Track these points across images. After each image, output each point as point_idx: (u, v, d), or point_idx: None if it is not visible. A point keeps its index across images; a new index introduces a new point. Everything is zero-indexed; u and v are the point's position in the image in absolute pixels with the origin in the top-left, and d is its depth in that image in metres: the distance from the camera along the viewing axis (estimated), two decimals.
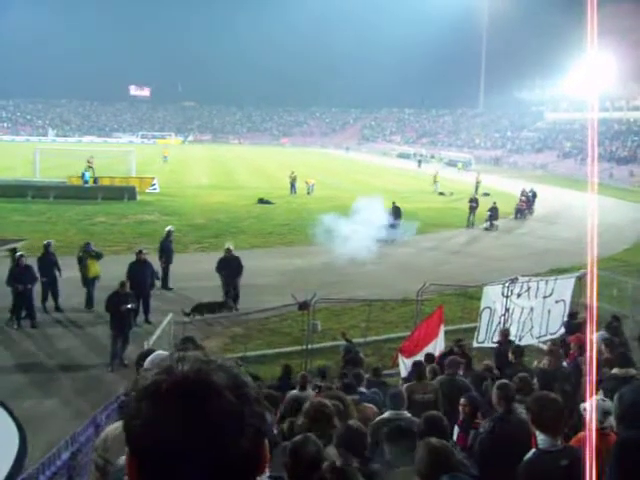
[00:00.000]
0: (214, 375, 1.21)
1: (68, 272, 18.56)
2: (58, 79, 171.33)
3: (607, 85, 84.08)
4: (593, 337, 9.03)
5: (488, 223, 35.07)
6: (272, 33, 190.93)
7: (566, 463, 4.86)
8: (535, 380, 9.12)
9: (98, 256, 18.57)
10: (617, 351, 9.04)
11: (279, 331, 17.22)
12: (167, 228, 21.97)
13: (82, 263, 18.33)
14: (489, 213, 35.31)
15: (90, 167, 49.51)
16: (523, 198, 41.49)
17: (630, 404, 4.64)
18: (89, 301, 18.08)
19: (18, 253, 17.20)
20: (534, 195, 42.87)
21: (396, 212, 30.64)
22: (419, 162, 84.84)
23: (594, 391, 4.72)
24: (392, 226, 28.38)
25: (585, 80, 75.00)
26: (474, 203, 36.02)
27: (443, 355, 12.34)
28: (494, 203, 35.97)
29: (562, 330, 14.75)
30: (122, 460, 3.69)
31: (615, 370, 7.98)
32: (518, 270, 19.58)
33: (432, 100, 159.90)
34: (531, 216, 40.58)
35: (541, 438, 5.09)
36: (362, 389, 9.09)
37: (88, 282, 18.16)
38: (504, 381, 7.79)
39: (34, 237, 25.96)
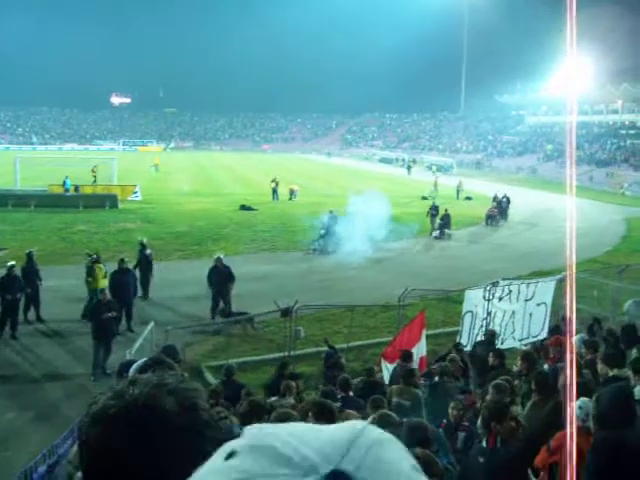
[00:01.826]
0: (163, 400, 1.21)
1: (47, 281, 18.48)
2: (38, 87, 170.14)
3: (586, 89, 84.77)
4: (573, 339, 9.10)
5: (438, 232, 33.41)
6: (253, 40, 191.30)
7: (482, 460, 5.71)
8: (516, 382, 9.20)
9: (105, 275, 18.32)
10: (609, 352, 9.11)
11: (262, 338, 17.21)
12: (139, 239, 21.91)
13: (90, 274, 18.19)
14: (440, 222, 33.85)
15: (94, 176, 50.14)
16: (494, 204, 40.34)
17: (607, 405, 4.70)
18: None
19: (10, 263, 17.12)
20: (508, 201, 41.72)
21: (332, 221, 28.92)
22: (409, 168, 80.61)
23: (574, 393, 4.78)
24: (323, 236, 28.07)
25: (565, 84, 75.59)
26: (434, 211, 34.72)
27: (440, 359, 12.41)
28: (446, 210, 34.56)
29: (544, 333, 14.89)
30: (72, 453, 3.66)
31: (615, 371, 8.05)
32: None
33: (413, 105, 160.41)
34: (505, 222, 39.66)
35: None
36: (350, 393, 9.11)
37: (95, 292, 17.92)
38: (499, 381, 7.91)
39: (15, 246, 25.81)
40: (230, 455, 0.85)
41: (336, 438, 0.83)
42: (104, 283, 17.84)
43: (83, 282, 18.38)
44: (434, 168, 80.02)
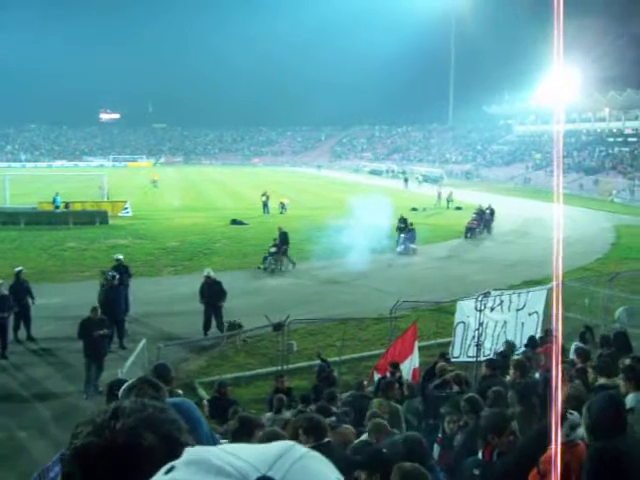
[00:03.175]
0: (143, 437, 1.22)
1: (38, 299, 18.34)
2: (27, 104, 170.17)
3: (574, 97, 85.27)
4: (559, 348, 9.10)
5: (402, 247, 31.42)
6: (242, 54, 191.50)
7: (477, 472, 5.83)
8: (510, 393, 9.18)
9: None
10: (602, 360, 9.11)
11: (255, 352, 17.17)
12: (115, 256, 21.73)
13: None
14: (404, 235, 31.85)
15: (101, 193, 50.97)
16: (474, 216, 38.06)
17: (598, 414, 4.68)
18: None
19: None
20: (492, 212, 39.56)
21: (283, 237, 28.26)
22: (405, 180, 77.49)
23: (559, 403, 4.79)
24: (273, 254, 27.32)
25: (552, 93, 75.89)
26: (402, 224, 32.75)
27: (429, 369, 12.36)
28: (411, 224, 32.78)
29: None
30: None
31: (604, 380, 8.04)
32: None
33: (402, 116, 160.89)
34: (489, 234, 37.97)
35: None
36: (334, 409, 9.03)
37: None
38: (471, 394, 7.90)
39: (4, 264, 25.65)
40: (169, 470, 0.96)
41: (266, 452, 0.93)
42: None
43: (80, 299, 18.22)
44: (420, 179, 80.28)
